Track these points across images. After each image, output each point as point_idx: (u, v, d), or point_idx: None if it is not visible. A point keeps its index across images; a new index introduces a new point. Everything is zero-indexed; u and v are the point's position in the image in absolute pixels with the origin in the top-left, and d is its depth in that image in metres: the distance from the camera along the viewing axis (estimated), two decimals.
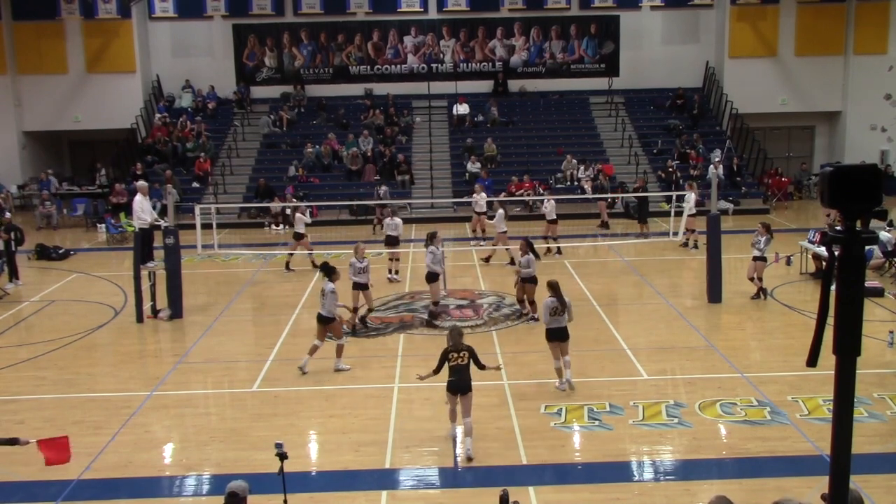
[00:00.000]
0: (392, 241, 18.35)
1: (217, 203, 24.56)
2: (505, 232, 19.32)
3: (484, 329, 14.12)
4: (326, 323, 12.25)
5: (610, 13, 29.97)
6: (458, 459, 9.35)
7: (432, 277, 14.64)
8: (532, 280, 14.29)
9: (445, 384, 9.57)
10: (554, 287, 11.16)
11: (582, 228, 23.73)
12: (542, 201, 25.39)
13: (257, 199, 25.65)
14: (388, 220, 18.93)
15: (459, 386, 9.45)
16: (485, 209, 21.48)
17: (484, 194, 21.80)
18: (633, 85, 30.57)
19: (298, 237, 19.10)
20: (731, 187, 26.81)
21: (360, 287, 14.25)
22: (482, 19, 29.85)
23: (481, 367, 9.75)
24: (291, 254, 19.32)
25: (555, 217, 20.48)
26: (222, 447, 9.76)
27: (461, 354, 9.57)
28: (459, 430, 9.66)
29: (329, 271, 12.50)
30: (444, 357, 9.62)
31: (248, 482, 6.60)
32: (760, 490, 8.42)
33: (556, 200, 25.42)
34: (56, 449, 7.66)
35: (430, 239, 15.13)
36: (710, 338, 13.64)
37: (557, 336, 11.11)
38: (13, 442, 7.76)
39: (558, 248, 20.22)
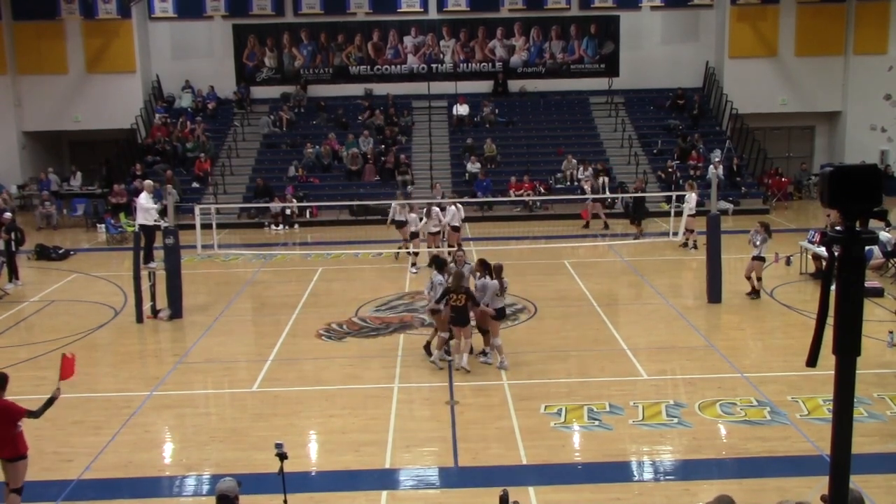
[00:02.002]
0: (413, 235, 18.98)
1: (217, 203, 24.55)
2: (435, 234, 19.08)
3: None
4: (435, 314, 12.35)
5: (610, 13, 29.96)
6: (457, 365, 11.62)
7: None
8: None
9: (448, 320, 11.75)
10: (486, 265, 12.19)
11: (582, 228, 23.75)
12: (538, 203, 25.55)
13: (257, 199, 25.65)
14: (412, 215, 19.11)
15: (459, 321, 11.58)
16: (458, 224, 19.48)
17: (454, 208, 19.18)
18: (633, 85, 30.55)
19: (413, 235, 19.16)
20: (731, 187, 26.80)
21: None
22: (482, 19, 29.84)
23: (476, 304, 11.62)
24: (401, 248, 19.71)
25: (458, 224, 19.33)
26: (222, 447, 9.76)
27: (460, 297, 11.39)
28: (463, 358, 11.69)
29: (440, 265, 12.62)
30: (445, 294, 11.57)
31: (248, 482, 6.59)
32: (760, 490, 8.42)
33: (555, 201, 25.62)
34: (67, 368, 8.32)
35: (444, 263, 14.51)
36: (710, 338, 13.64)
37: (504, 315, 12.40)
38: (52, 401, 8.00)
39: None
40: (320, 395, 11.35)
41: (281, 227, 24.96)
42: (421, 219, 19.22)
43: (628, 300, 16.58)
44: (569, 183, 26.85)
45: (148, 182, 19.36)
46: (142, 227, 18.57)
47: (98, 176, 28.91)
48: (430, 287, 12.48)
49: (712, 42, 30.67)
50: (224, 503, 6.35)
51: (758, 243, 15.49)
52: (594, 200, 24.34)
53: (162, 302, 15.39)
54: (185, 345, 13.92)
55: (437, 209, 19.19)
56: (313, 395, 11.37)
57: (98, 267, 20.01)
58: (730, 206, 25.51)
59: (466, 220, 20.67)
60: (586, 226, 23.85)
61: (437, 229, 19.12)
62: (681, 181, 25.08)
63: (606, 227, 23.77)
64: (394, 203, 20.12)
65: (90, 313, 15.85)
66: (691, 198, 19.92)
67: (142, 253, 16.63)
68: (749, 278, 15.76)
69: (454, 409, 10.69)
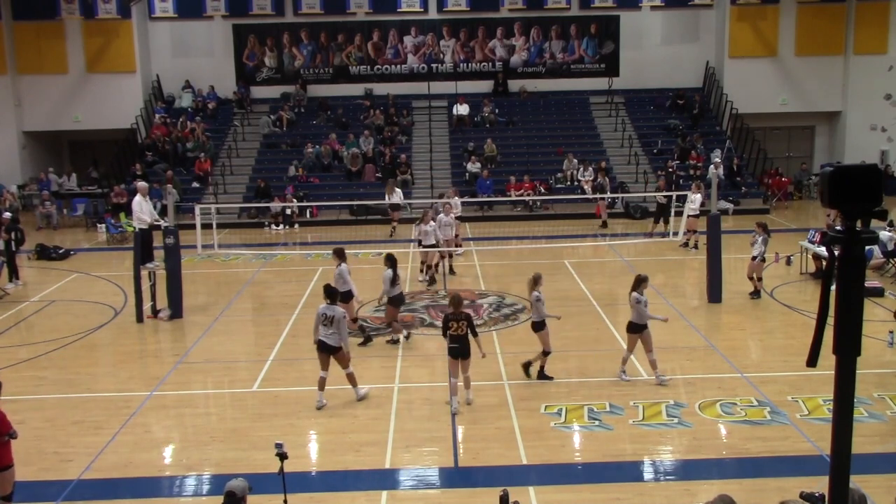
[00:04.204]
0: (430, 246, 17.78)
1: (217, 203, 24.55)
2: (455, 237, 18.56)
3: (484, 329, 14.08)
4: (330, 352, 10.77)
5: (610, 13, 29.99)
6: (455, 410, 10.50)
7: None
8: (393, 301, 13.15)
9: (447, 350, 10.68)
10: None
11: (582, 228, 23.74)
12: (538, 202, 25.54)
13: (257, 198, 25.66)
14: (423, 226, 17.85)
15: (460, 352, 10.58)
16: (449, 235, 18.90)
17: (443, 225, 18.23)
18: (633, 85, 30.57)
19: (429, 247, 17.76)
20: (731, 187, 26.81)
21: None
22: (482, 19, 29.88)
23: (475, 334, 10.64)
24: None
25: (458, 214, 19.29)
26: (222, 447, 9.76)
27: (460, 324, 10.52)
28: (455, 400, 10.64)
29: (332, 295, 11.01)
30: (446, 324, 10.63)
31: (248, 482, 6.58)
32: (760, 490, 8.42)
33: (555, 201, 25.60)
34: None
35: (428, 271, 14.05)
36: (710, 338, 13.64)
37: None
38: (12, 436, 7.70)
39: (460, 249, 19.15)
40: None
41: (281, 226, 24.96)
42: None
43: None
44: (569, 183, 26.85)
45: (142, 184, 19.13)
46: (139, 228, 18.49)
47: (88, 176, 28.89)
48: (329, 321, 10.70)
49: (712, 42, 30.67)
50: (231, 501, 6.34)
51: (759, 244, 15.50)
52: (602, 199, 24.37)
53: (162, 302, 15.39)
54: (185, 345, 13.92)
55: (447, 217, 18.10)
56: (313, 395, 11.35)
57: (98, 267, 20.01)
58: (730, 206, 25.51)
59: (467, 220, 20.62)
60: (604, 224, 23.80)
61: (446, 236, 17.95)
62: (681, 181, 25.06)
63: (605, 225, 23.79)
64: (389, 181, 20.32)
65: (90, 313, 15.86)
66: (696, 198, 19.94)
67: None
68: (752, 278, 15.77)
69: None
